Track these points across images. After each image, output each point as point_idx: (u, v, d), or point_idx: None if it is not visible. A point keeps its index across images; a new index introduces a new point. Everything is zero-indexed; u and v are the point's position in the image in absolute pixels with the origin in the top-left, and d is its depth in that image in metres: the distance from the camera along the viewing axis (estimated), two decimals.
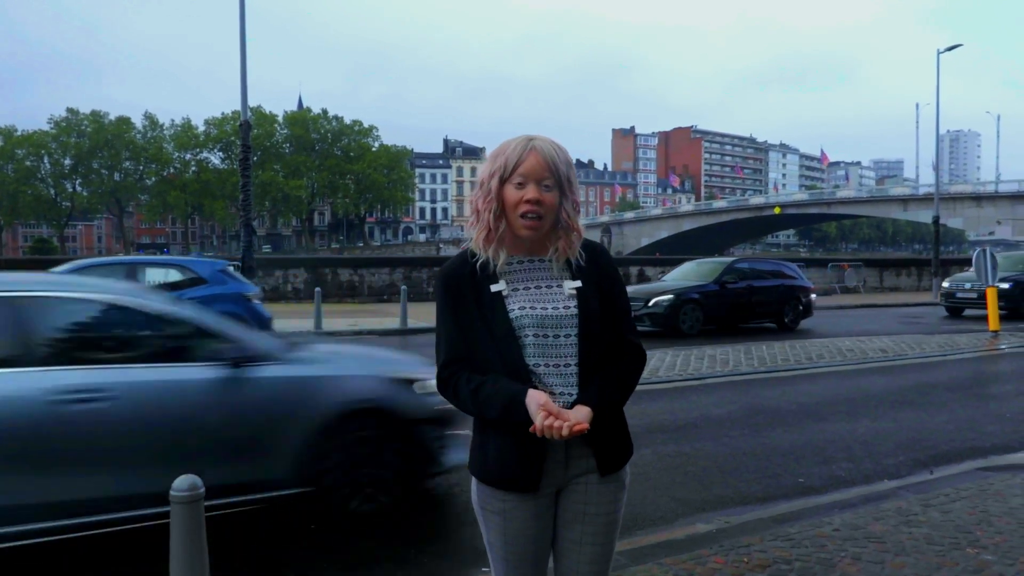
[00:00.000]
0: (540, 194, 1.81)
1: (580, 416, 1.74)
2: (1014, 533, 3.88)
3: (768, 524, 4.04)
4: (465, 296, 1.85)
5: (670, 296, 14.13)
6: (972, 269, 21.20)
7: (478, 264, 1.85)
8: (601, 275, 1.91)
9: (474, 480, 1.93)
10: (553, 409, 1.71)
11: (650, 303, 13.95)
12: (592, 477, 1.88)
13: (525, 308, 1.82)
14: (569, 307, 1.84)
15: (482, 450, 1.88)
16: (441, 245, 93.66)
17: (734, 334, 14.02)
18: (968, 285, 19.21)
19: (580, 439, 1.80)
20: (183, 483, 2.45)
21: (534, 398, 1.73)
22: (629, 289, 11.86)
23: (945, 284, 20.35)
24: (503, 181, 1.83)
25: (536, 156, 1.81)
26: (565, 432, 1.69)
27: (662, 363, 9.94)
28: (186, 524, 2.45)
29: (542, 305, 1.84)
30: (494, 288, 1.84)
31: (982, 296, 17.55)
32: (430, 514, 4.57)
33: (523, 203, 1.80)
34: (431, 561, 3.77)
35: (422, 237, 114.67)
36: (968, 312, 19.44)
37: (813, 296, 16.66)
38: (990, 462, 5.52)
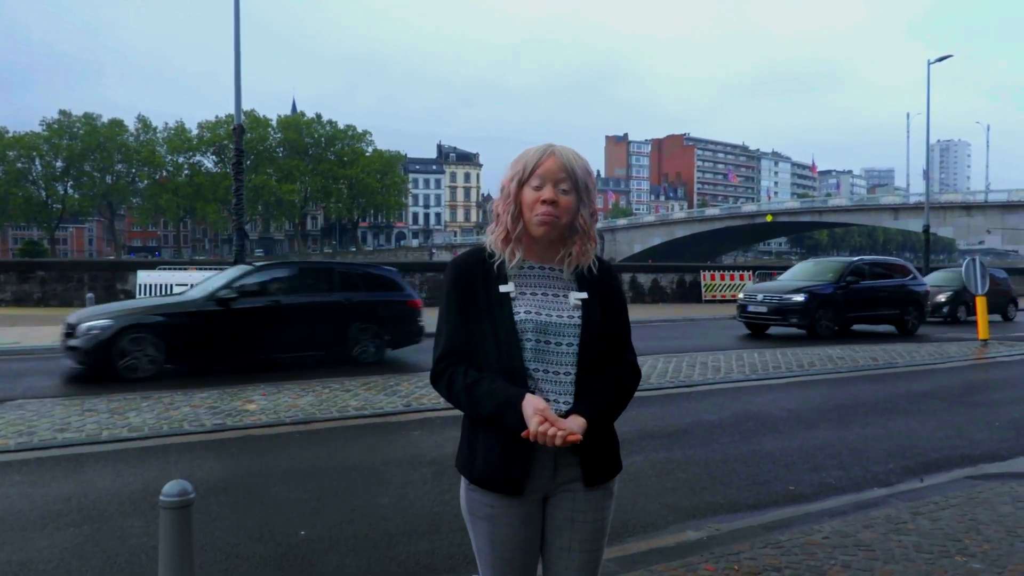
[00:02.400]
0: (557, 195, 1.83)
1: (574, 426, 1.74)
2: (1002, 541, 3.90)
3: (758, 531, 4.05)
4: (475, 290, 1.87)
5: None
6: (782, 274, 18.53)
7: (493, 263, 1.88)
8: (607, 291, 1.94)
9: (463, 486, 1.94)
10: (550, 416, 1.71)
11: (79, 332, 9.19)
12: (579, 485, 1.89)
13: (531, 312, 1.84)
14: (573, 317, 1.86)
15: (470, 449, 1.89)
16: (434, 250, 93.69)
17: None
18: (761, 297, 16.01)
19: (569, 447, 1.81)
20: (173, 488, 2.44)
21: (531, 403, 1.73)
22: None
23: (740, 295, 17.09)
24: (521, 184, 1.86)
25: (554, 159, 1.85)
26: (559, 441, 1.69)
27: (654, 370, 9.95)
28: (175, 529, 2.44)
29: (547, 312, 1.86)
30: (503, 288, 1.86)
31: (773, 311, 15.42)
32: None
33: (539, 203, 1.83)
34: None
35: (415, 242, 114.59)
36: (774, 331, 16.08)
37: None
38: (979, 470, 5.55)
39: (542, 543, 1.93)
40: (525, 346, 1.82)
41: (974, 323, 19.34)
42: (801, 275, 17.35)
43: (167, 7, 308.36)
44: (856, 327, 16.98)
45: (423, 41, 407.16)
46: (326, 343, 10.61)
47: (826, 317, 15.55)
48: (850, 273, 16.35)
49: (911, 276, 17.44)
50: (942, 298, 20.93)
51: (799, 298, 15.42)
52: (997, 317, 21.57)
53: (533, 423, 1.70)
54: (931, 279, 22.67)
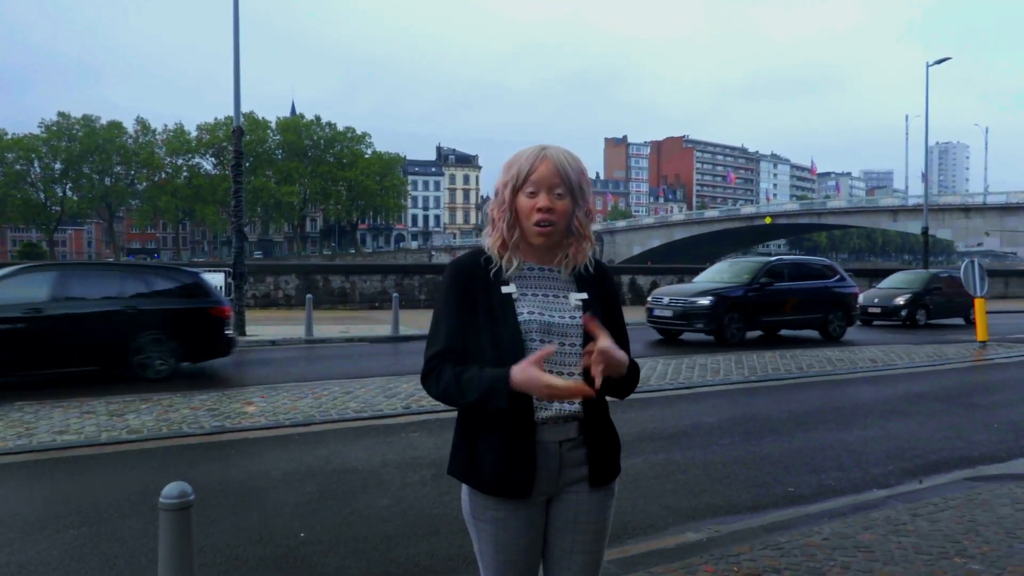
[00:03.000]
0: (552, 202, 1.82)
1: (607, 346, 1.71)
2: (1001, 543, 3.90)
3: (758, 533, 4.05)
4: (475, 291, 1.86)
5: None
6: (701, 276, 17.14)
7: (492, 268, 1.87)
8: (605, 291, 1.95)
9: (465, 490, 1.92)
10: (541, 356, 1.69)
11: None
12: (583, 486, 1.89)
13: (534, 313, 1.84)
14: (575, 317, 1.86)
15: (472, 455, 1.87)
16: (433, 252, 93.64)
17: None
18: (666, 300, 14.79)
19: (574, 450, 1.83)
20: (173, 490, 2.44)
21: (520, 367, 1.69)
22: None
23: (649, 299, 15.86)
24: (516, 191, 1.85)
25: (548, 164, 1.83)
26: (582, 393, 1.67)
27: (653, 371, 9.96)
28: (175, 530, 2.44)
29: (549, 313, 1.86)
30: (505, 290, 1.85)
31: (678, 315, 14.39)
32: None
33: (536, 211, 1.82)
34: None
35: (414, 244, 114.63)
36: (688, 336, 15.02)
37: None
38: (978, 472, 5.55)
39: (544, 545, 1.93)
40: (529, 347, 1.82)
41: (933, 327, 19.30)
42: (715, 277, 16.29)
43: (166, 9, 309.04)
44: (784, 332, 15.91)
45: (423, 43, 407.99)
46: (103, 357, 9.35)
47: (735, 322, 14.41)
48: (765, 274, 15.27)
49: (837, 277, 16.37)
50: (900, 300, 20.06)
51: (705, 301, 14.28)
52: (959, 320, 20.74)
53: (543, 379, 1.66)
54: (891, 281, 22.09)
